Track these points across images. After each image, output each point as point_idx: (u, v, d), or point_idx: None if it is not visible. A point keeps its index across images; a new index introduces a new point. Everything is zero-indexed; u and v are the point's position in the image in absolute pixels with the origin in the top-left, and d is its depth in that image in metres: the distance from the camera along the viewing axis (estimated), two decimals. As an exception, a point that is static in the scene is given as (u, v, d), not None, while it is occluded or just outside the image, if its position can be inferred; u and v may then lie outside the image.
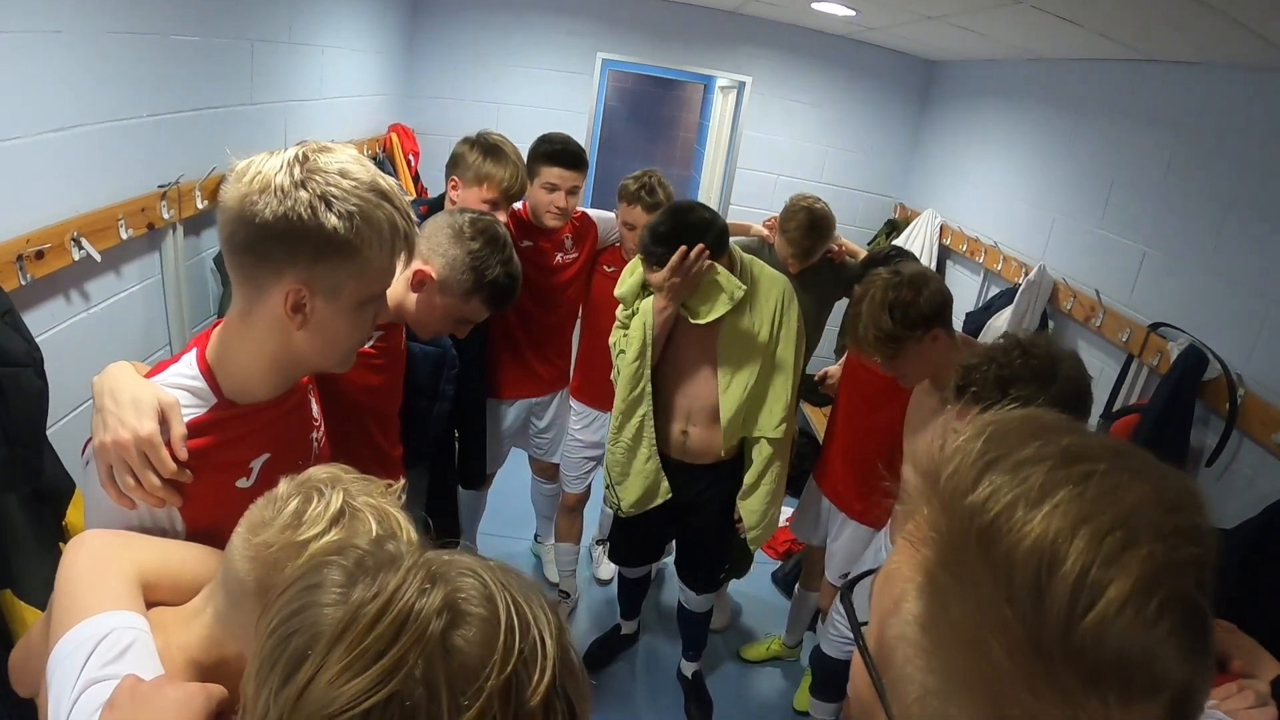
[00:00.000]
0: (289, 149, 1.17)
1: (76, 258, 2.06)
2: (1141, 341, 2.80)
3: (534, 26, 5.09)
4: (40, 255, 1.92)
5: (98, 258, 2.13)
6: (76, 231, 2.05)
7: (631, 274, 2.76)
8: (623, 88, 9.20)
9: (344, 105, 3.99)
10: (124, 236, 2.25)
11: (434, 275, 2.00)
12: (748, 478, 2.79)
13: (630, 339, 2.71)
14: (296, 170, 1.14)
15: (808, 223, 3.37)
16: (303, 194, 1.13)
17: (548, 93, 5.16)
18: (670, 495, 2.82)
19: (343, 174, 1.16)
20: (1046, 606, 0.49)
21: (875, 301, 2.33)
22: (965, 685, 0.54)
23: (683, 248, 2.44)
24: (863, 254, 3.80)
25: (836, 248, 3.63)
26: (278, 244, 1.15)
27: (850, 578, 0.79)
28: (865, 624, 0.66)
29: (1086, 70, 3.50)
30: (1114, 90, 3.30)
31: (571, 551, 3.73)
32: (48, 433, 1.88)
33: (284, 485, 1.03)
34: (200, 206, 2.63)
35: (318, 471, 1.05)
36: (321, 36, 3.60)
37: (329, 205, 1.14)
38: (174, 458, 1.14)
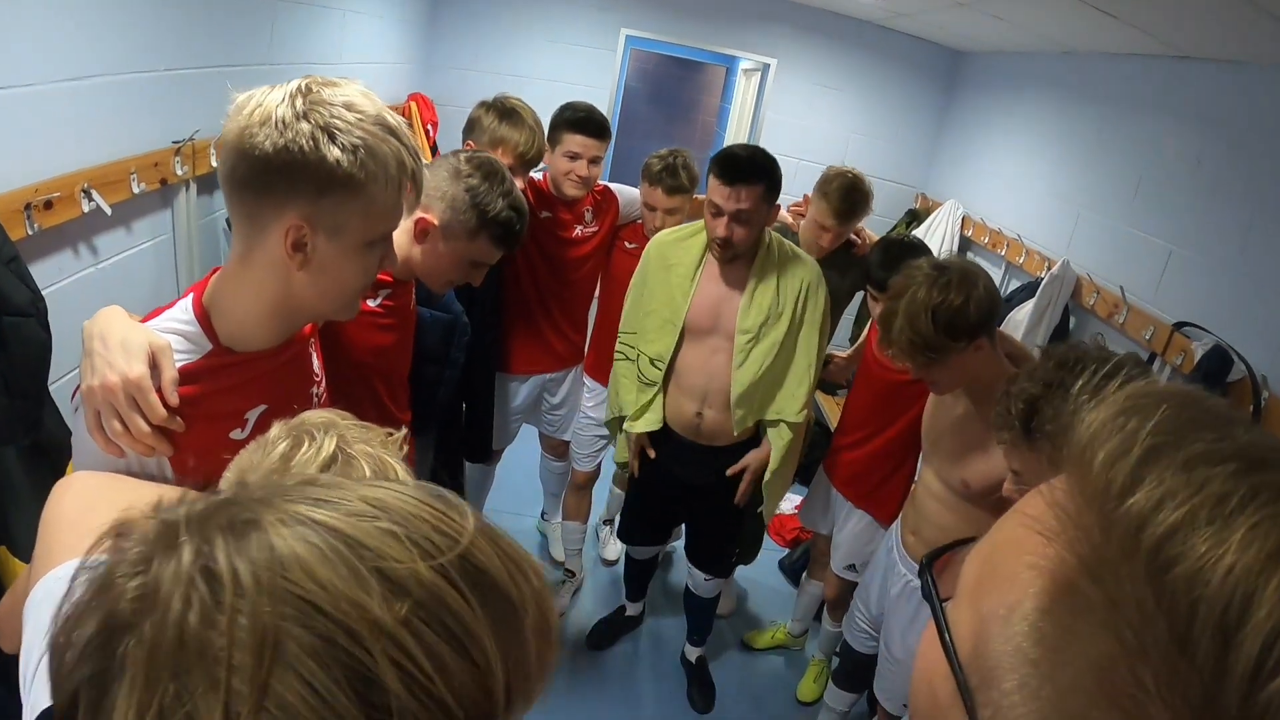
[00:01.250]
0: (292, 81, 1.11)
1: (86, 210, 2.03)
2: (1165, 340, 2.75)
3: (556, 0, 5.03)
4: (49, 205, 1.88)
5: (108, 211, 2.09)
6: (87, 183, 2.02)
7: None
8: (644, 69, 9.16)
9: (363, 71, 3.94)
10: (136, 191, 2.22)
11: (435, 221, 1.93)
12: (772, 464, 2.74)
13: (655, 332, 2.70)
14: (299, 102, 1.08)
15: (850, 184, 3.23)
16: (304, 125, 1.08)
17: (569, 67, 5.12)
18: (659, 426, 2.78)
19: (348, 106, 1.11)
20: (1230, 662, 0.38)
21: (917, 302, 2.04)
22: None
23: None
24: None
25: (860, 240, 3.55)
26: (278, 178, 1.10)
27: (934, 551, 0.65)
28: (948, 599, 0.54)
29: (1116, 65, 3.44)
30: (1144, 86, 3.24)
31: (578, 530, 3.69)
32: (50, 387, 1.85)
33: (276, 428, 0.98)
34: (214, 165, 2.58)
35: (313, 415, 1.00)
36: (344, 0, 3.55)
37: (332, 138, 1.09)
38: (164, 404, 1.09)
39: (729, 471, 2.81)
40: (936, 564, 0.62)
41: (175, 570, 0.44)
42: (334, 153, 1.09)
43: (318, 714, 0.42)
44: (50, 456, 1.85)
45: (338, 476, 0.59)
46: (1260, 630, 0.38)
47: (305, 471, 0.89)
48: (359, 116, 1.11)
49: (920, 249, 2.89)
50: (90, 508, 1.00)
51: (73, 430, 1.16)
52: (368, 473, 0.92)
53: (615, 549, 3.98)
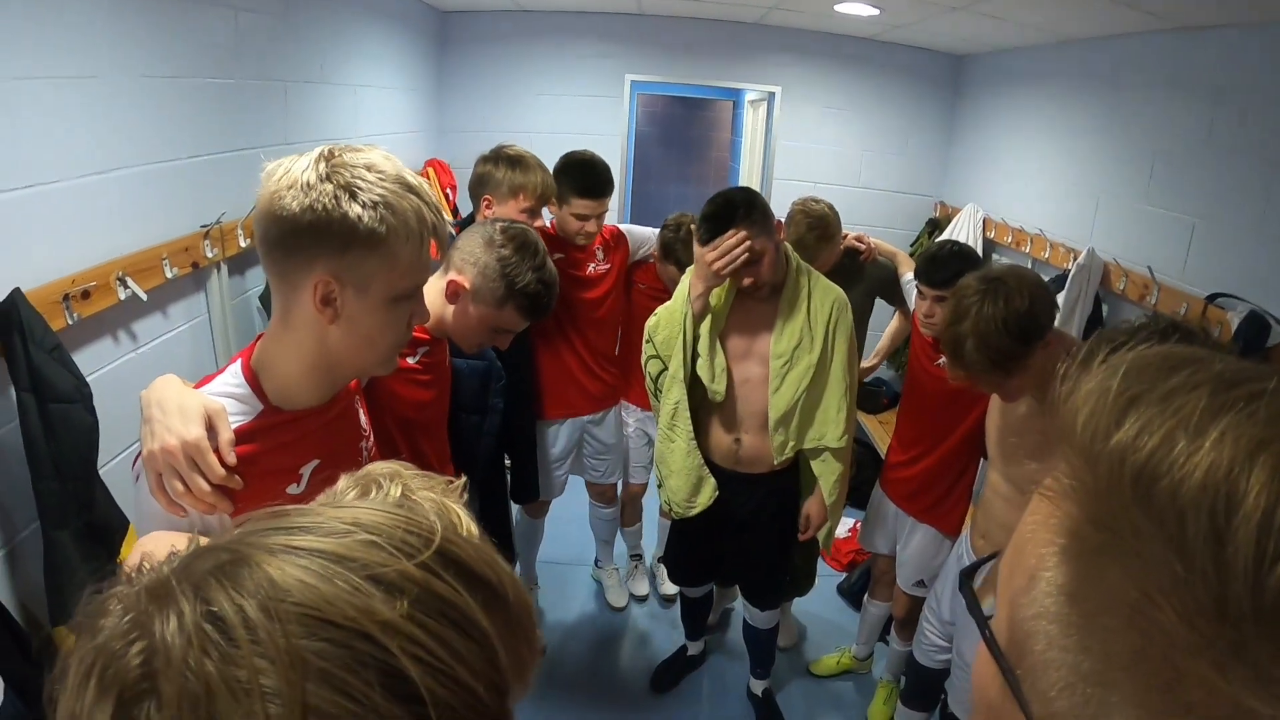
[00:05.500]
0: (317, 149, 1.18)
1: (123, 297, 2.11)
2: (1200, 314, 2.72)
3: (560, 53, 5.16)
4: (86, 295, 1.96)
5: (144, 297, 2.17)
6: (121, 271, 2.10)
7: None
8: (651, 111, 9.28)
9: (379, 142, 4.01)
10: (169, 276, 2.30)
11: (466, 285, 1.99)
12: (827, 499, 2.74)
13: (663, 321, 2.71)
14: (322, 165, 1.15)
15: (804, 223, 3.29)
16: (328, 186, 1.14)
17: (579, 118, 5.21)
18: (717, 494, 2.77)
19: (369, 168, 1.17)
20: (1230, 556, 0.39)
21: (986, 318, 1.99)
22: (1130, 665, 0.43)
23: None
24: (901, 254, 3.71)
25: (866, 246, 3.56)
26: (305, 236, 1.16)
27: (969, 565, 0.66)
28: (991, 616, 0.54)
29: (1116, 46, 3.44)
30: (1146, 62, 3.24)
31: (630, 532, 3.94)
32: (99, 471, 1.91)
33: (344, 480, 1.02)
34: (243, 245, 2.68)
35: (378, 466, 1.03)
36: (353, 76, 3.68)
37: (353, 196, 1.15)
38: (223, 463, 1.15)
39: (802, 537, 2.84)
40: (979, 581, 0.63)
41: (178, 625, 0.46)
42: (355, 209, 1.15)
43: (359, 718, 0.44)
44: (104, 537, 1.91)
45: (302, 505, 0.60)
46: (1251, 519, 0.38)
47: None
48: (379, 176, 1.17)
49: (967, 253, 2.87)
50: None
51: (135, 498, 1.22)
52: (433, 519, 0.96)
53: (644, 585, 4.02)
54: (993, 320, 1.98)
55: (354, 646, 0.46)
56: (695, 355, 2.67)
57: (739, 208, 2.46)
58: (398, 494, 0.96)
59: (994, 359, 2.00)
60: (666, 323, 2.69)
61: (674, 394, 2.73)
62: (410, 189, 1.21)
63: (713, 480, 2.76)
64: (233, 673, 0.44)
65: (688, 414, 2.73)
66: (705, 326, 2.64)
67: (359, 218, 1.15)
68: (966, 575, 0.64)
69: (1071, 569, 0.46)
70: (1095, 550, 0.45)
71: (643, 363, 2.84)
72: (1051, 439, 0.50)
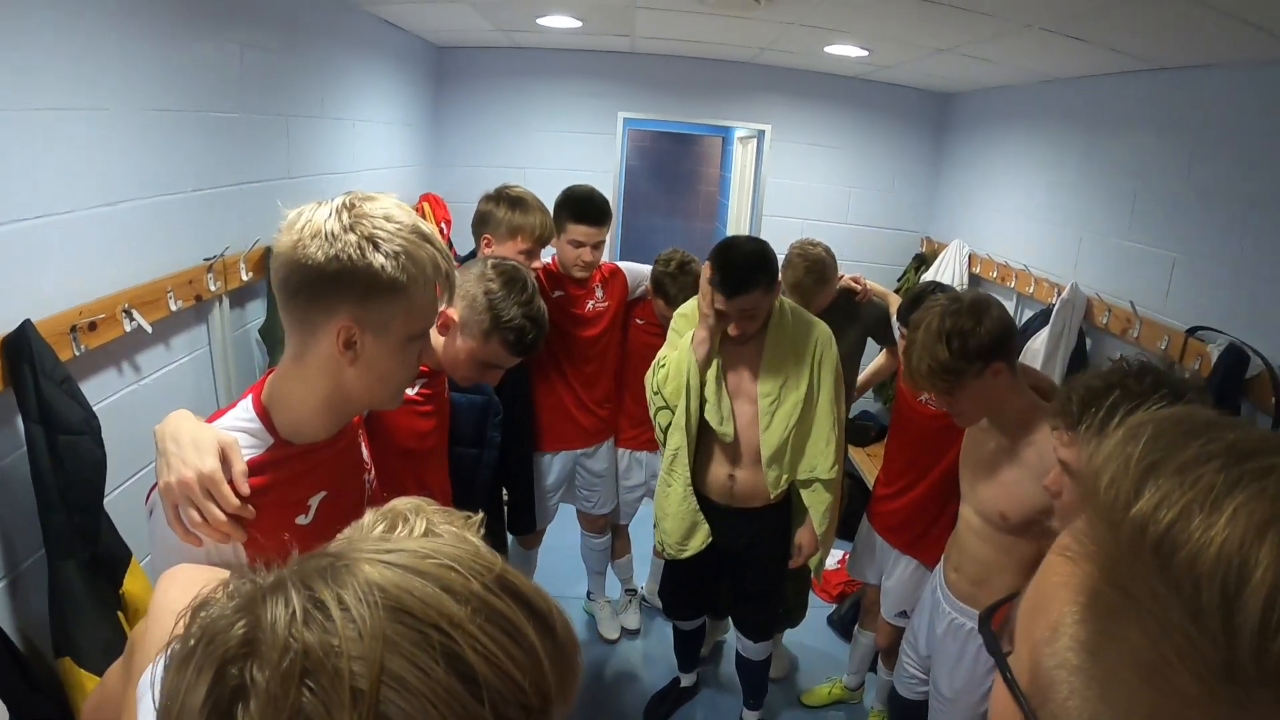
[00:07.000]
0: (335, 198, 1.24)
1: (128, 329, 2.13)
2: (1181, 347, 2.78)
3: (554, 91, 5.23)
4: (93, 326, 1.99)
5: (148, 329, 2.20)
6: (127, 303, 2.13)
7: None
8: (641, 146, 9.37)
9: (376, 176, 4.11)
10: (173, 308, 2.33)
11: (455, 317, 2.04)
12: (818, 529, 2.79)
13: (671, 373, 2.75)
14: (344, 216, 1.21)
15: (802, 266, 3.40)
16: (351, 237, 1.20)
17: (572, 154, 5.28)
18: (710, 540, 2.81)
19: (387, 218, 1.23)
20: (1239, 624, 0.44)
21: (931, 330, 2.15)
22: (1147, 717, 0.48)
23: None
24: (891, 296, 3.81)
25: (861, 287, 3.65)
26: (330, 285, 1.21)
27: (990, 605, 0.71)
28: (1009, 652, 0.60)
29: (1098, 85, 3.53)
30: (1127, 102, 3.33)
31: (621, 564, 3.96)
32: (105, 501, 1.93)
33: (369, 514, 1.07)
34: (245, 278, 2.71)
35: (401, 502, 1.09)
36: (352, 111, 3.74)
37: (376, 246, 1.21)
38: (236, 494, 1.19)
39: (793, 565, 2.89)
40: (995, 617, 0.67)
41: (284, 607, 0.56)
42: (379, 259, 1.21)
43: (426, 685, 0.54)
44: (108, 569, 1.92)
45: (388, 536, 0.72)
46: (1260, 591, 0.43)
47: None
48: (398, 226, 1.23)
49: (946, 290, 2.96)
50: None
51: (150, 530, 1.25)
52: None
53: (635, 618, 4.04)
54: (938, 334, 2.13)
55: (425, 632, 0.56)
56: (703, 400, 2.72)
57: (760, 274, 2.53)
58: (422, 528, 1.02)
59: (934, 369, 2.13)
60: (676, 373, 2.74)
61: (675, 440, 2.79)
62: (426, 238, 1.27)
63: (706, 526, 2.81)
64: (327, 639, 0.54)
65: (686, 461, 2.78)
66: (711, 373, 2.69)
67: (382, 267, 1.21)
68: (987, 615, 0.68)
69: (1092, 627, 0.51)
70: (1115, 611, 0.50)
71: (651, 414, 2.89)
72: (1070, 498, 0.55)
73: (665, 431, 2.85)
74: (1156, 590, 0.47)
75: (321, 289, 1.22)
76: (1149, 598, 0.47)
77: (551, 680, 0.60)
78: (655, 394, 2.82)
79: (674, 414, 2.79)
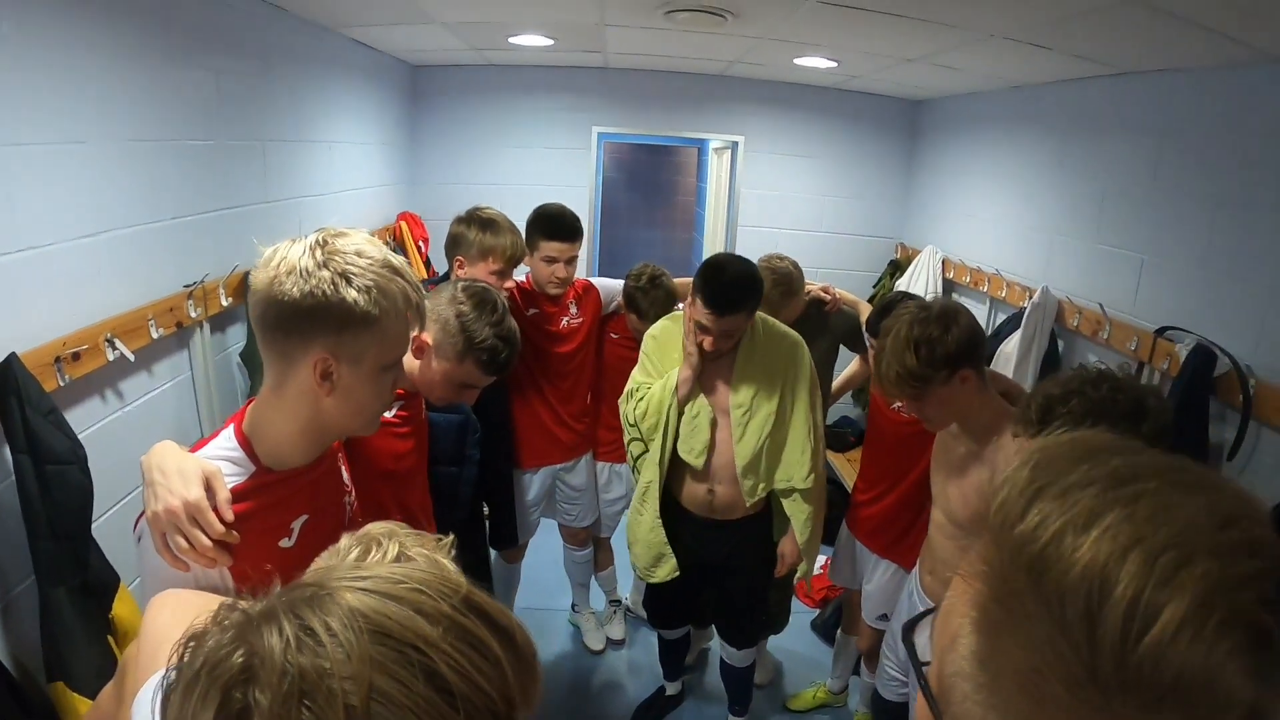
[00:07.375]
0: (309, 235, 1.29)
1: (111, 358, 2.15)
2: (1150, 348, 2.83)
3: (529, 107, 5.27)
4: (77, 357, 2.01)
5: (131, 357, 2.22)
6: (110, 332, 2.15)
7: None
8: (618, 158, 9.42)
9: (354, 197, 4.14)
10: (154, 336, 2.35)
11: (429, 340, 2.08)
12: (800, 539, 2.83)
13: (650, 410, 2.79)
14: (318, 253, 1.26)
15: (769, 279, 3.41)
16: (325, 273, 1.24)
17: (547, 169, 5.32)
18: (677, 574, 2.87)
19: (359, 254, 1.28)
20: (1100, 636, 0.48)
21: (900, 337, 2.19)
22: None
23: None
24: (862, 304, 3.86)
25: (831, 297, 3.69)
26: (306, 319, 1.26)
27: (912, 618, 0.78)
28: (927, 664, 0.66)
29: (1065, 91, 3.60)
30: (1094, 106, 3.39)
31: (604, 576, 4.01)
32: (93, 529, 1.94)
33: (345, 539, 1.11)
34: (225, 304, 2.73)
35: (375, 527, 1.13)
36: (329, 133, 3.76)
37: (349, 281, 1.25)
38: (221, 520, 1.23)
39: (777, 574, 2.93)
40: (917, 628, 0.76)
41: (278, 635, 0.62)
42: (352, 294, 1.26)
43: (409, 699, 0.60)
44: (97, 594, 1.94)
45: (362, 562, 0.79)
46: (1119, 607, 0.48)
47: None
48: (370, 261, 1.29)
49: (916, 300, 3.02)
50: (185, 620, 1.11)
51: (138, 557, 1.29)
52: None
53: (619, 629, 4.07)
54: (906, 341, 2.17)
55: (405, 652, 0.62)
56: (676, 435, 2.78)
57: (750, 297, 2.58)
58: (395, 552, 1.06)
59: (902, 376, 2.18)
60: (655, 410, 2.77)
61: (647, 474, 2.84)
62: (396, 271, 1.32)
63: (673, 560, 2.87)
64: (319, 663, 0.60)
65: (658, 494, 2.84)
66: (689, 407, 2.75)
67: (355, 301, 1.26)
68: (907, 628, 0.76)
69: (980, 639, 0.58)
70: (997, 625, 0.56)
71: (625, 442, 2.94)
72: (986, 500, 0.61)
73: (636, 460, 2.89)
74: (1030, 606, 0.52)
75: (298, 323, 1.27)
76: (1023, 613, 0.53)
77: (515, 688, 0.67)
78: (631, 425, 2.86)
79: (648, 449, 2.83)
